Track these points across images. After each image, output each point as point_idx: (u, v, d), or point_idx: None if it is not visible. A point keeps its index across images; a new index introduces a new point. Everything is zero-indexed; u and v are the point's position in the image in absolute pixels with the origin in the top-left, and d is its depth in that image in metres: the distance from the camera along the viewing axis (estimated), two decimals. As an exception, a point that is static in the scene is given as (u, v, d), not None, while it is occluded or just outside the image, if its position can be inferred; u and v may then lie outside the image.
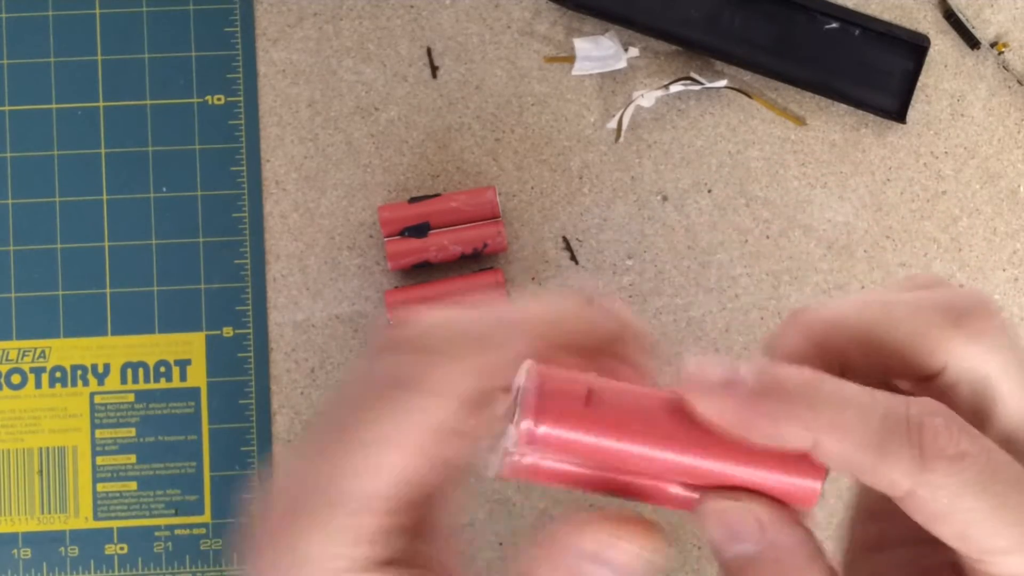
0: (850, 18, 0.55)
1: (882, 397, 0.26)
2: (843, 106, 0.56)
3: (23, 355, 0.56)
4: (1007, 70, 0.56)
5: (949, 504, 0.26)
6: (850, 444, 0.26)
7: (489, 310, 0.28)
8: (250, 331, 0.56)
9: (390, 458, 0.27)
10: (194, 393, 0.56)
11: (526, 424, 0.27)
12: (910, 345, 0.27)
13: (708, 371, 0.27)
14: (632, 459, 0.27)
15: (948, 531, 0.26)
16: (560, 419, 0.27)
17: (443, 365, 0.27)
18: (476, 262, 0.55)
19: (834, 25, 0.55)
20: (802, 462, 0.26)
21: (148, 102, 0.56)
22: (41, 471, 0.55)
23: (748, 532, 0.27)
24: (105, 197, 0.56)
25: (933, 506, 0.26)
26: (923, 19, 0.56)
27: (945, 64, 0.56)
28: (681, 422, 0.27)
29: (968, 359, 0.27)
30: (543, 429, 0.27)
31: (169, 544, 0.55)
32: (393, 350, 0.27)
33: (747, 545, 0.27)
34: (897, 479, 0.26)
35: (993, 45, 0.56)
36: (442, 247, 0.54)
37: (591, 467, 0.28)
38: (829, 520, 0.32)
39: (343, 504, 0.27)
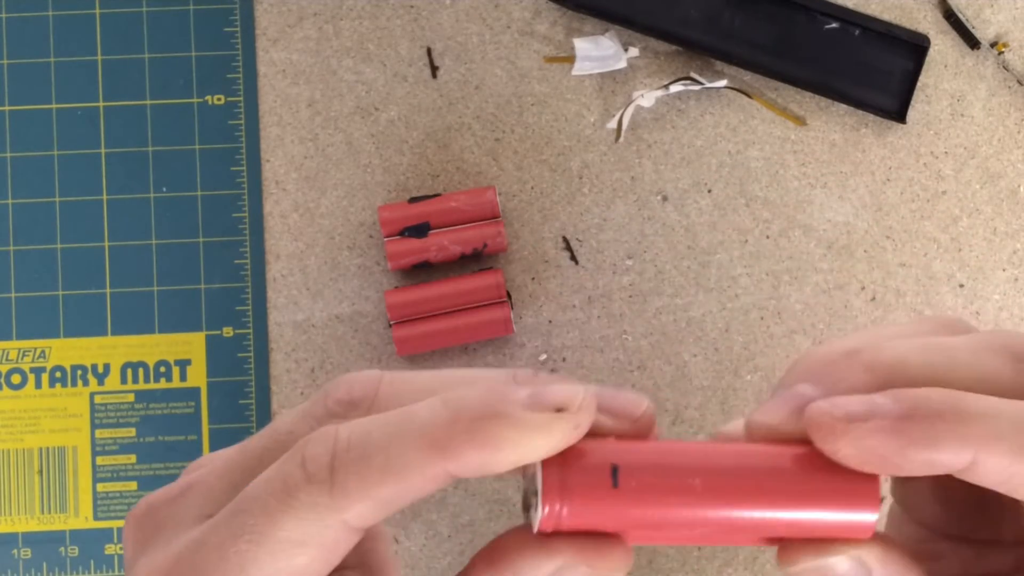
0: (850, 18, 0.55)
1: (1021, 404, 0.25)
2: (843, 106, 0.56)
3: (23, 355, 0.56)
4: (1007, 70, 0.56)
5: None
6: (1009, 454, 0.25)
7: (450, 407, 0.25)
8: (250, 331, 0.56)
9: (297, 559, 0.25)
10: (194, 393, 0.56)
11: (548, 513, 0.25)
12: (977, 390, 0.26)
13: (842, 407, 0.25)
14: (672, 522, 0.25)
15: None
16: (586, 506, 0.25)
17: (363, 473, 0.24)
18: (476, 262, 0.55)
19: (834, 25, 0.55)
20: (851, 496, 0.25)
21: (148, 102, 0.56)
22: (41, 471, 0.55)
23: None
24: (105, 197, 0.56)
25: None
26: (923, 19, 0.56)
27: (945, 64, 0.56)
28: (721, 475, 0.25)
29: None
30: (568, 517, 0.25)
31: (169, 544, 0.55)
32: (321, 444, 0.25)
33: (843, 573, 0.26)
34: None
35: (993, 45, 0.56)
36: (442, 247, 0.54)
37: (632, 529, 0.26)
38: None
39: None
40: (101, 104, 0.56)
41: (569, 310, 0.56)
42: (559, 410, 0.24)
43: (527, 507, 0.26)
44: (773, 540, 0.26)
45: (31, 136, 0.56)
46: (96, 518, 0.55)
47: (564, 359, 0.55)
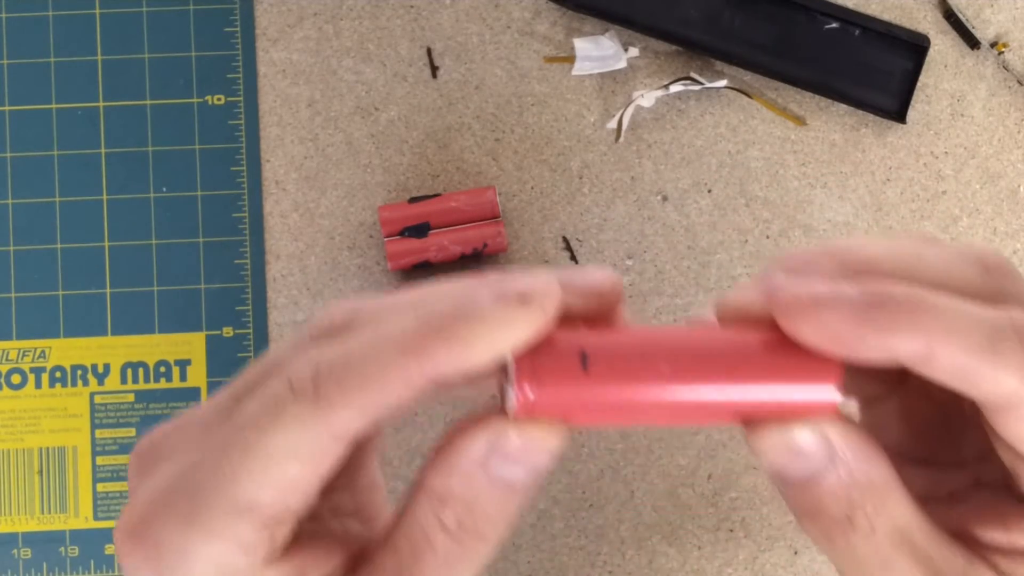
0: (850, 18, 0.55)
1: (983, 307, 0.26)
2: (843, 106, 0.56)
3: (23, 355, 0.56)
4: (1007, 70, 0.56)
5: None
6: (964, 349, 0.25)
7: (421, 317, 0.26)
8: (250, 331, 0.56)
9: (288, 469, 0.26)
10: (194, 393, 0.56)
11: (519, 400, 0.26)
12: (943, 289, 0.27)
13: (809, 289, 0.26)
14: (642, 406, 0.26)
15: None
16: (556, 392, 0.26)
17: (348, 383, 0.26)
18: (476, 262, 0.55)
19: (834, 25, 0.55)
20: (814, 375, 0.26)
21: (148, 102, 0.56)
22: (41, 471, 0.55)
23: (817, 450, 0.27)
24: (105, 197, 0.56)
25: None
26: (923, 19, 0.56)
27: (945, 64, 0.56)
28: (688, 357, 0.26)
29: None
30: (539, 403, 0.26)
31: (169, 544, 0.55)
32: (306, 358, 0.26)
33: (815, 461, 0.27)
34: (1010, 384, 0.26)
35: (993, 45, 0.56)
36: (442, 247, 0.54)
37: (604, 412, 0.27)
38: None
39: (236, 511, 0.26)
40: (101, 104, 0.56)
41: (569, 310, 0.56)
42: (524, 301, 0.25)
43: (504, 401, 0.27)
44: (740, 419, 0.27)
45: (31, 136, 0.56)
46: (96, 518, 0.55)
47: (564, 359, 0.55)
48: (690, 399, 0.26)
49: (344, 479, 0.32)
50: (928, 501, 0.29)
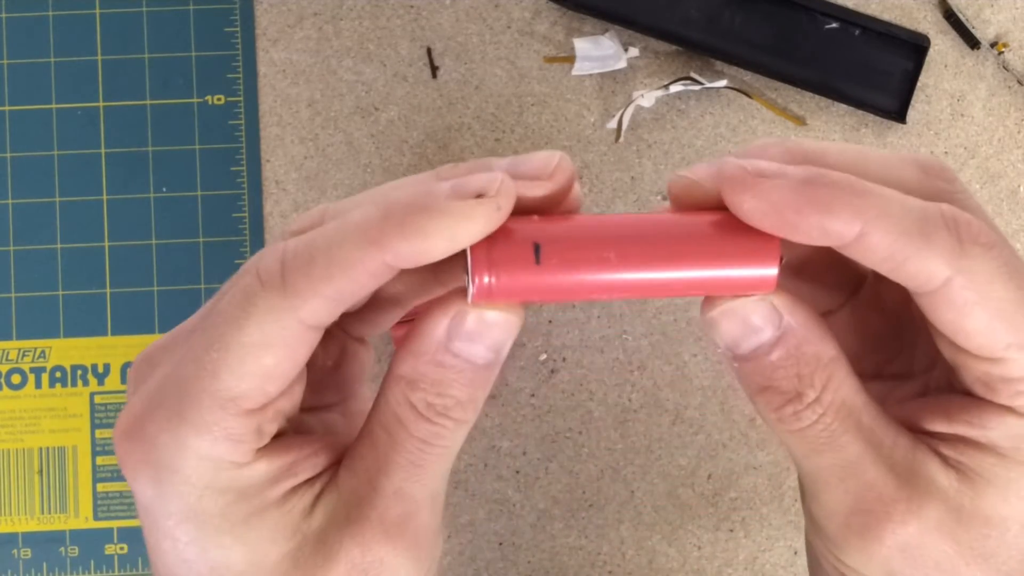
0: (850, 18, 0.55)
1: (913, 197, 0.28)
2: (843, 106, 0.56)
3: (23, 355, 0.56)
4: (1007, 70, 0.56)
5: (983, 291, 0.27)
6: (895, 231, 0.27)
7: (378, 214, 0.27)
8: (250, 331, 0.56)
9: (264, 359, 0.27)
10: (194, 393, 0.56)
11: (476, 288, 0.27)
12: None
13: (754, 164, 0.27)
14: (591, 289, 0.28)
15: (974, 324, 0.27)
16: (511, 281, 0.27)
17: (312, 273, 0.27)
18: (476, 262, 0.55)
19: (834, 25, 0.55)
20: (754, 253, 0.28)
21: (148, 102, 0.56)
22: (41, 471, 0.55)
23: (766, 321, 0.29)
24: (105, 197, 0.56)
25: (966, 295, 0.27)
26: (923, 19, 0.56)
27: (945, 64, 0.56)
28: (634, 244, 0.27)
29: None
30: (495, 290, 0.27)
31: (169, 544, 0.55)
32: (274, 255, 0.28)
33: (765, 333, 0.29)
34: (936, 267, 0.27)
35: (993, 45, 0.56)
36: (442, 247, 0.54)
37: (557, 294, 0.29)
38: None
39: (220, 404, 0.27)
40: (101, 104, 0.56)
41: (569, 310, 0.56)
42: (480, 196, 0.27)
43: (466, 290, 0.28)
44: (688, 295, 0.29)
45: (31, 136, 0.56)
46: (96, 518, 0.55)
47: (564, 359, 0.55)
48: (637, 282, 0.28)
49: (336, 404, 0.34)
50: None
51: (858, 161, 0.29)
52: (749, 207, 0.27)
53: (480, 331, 0.29)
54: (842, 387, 0.29)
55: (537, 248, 0.27)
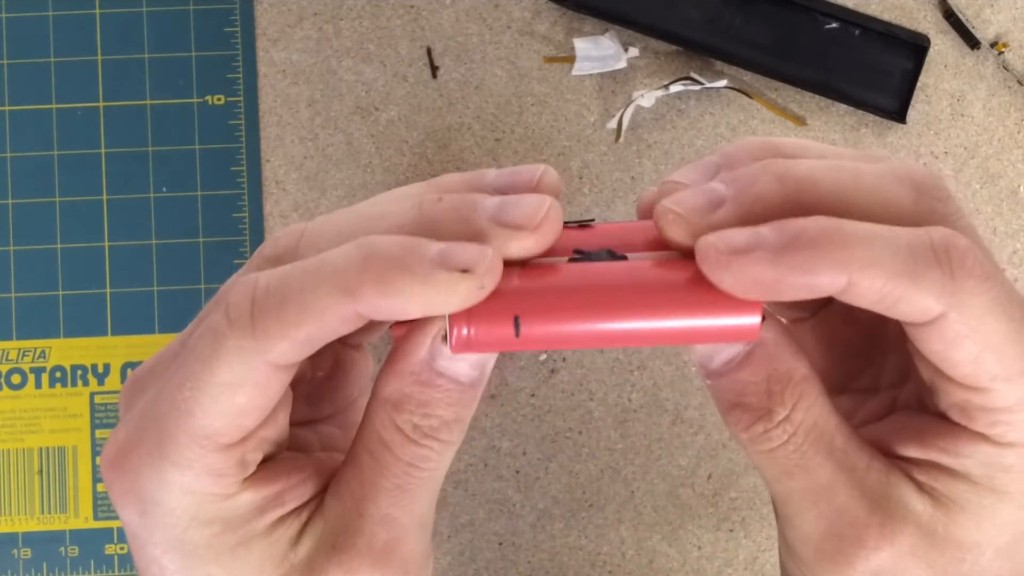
0: (850, 18, 0.55)
1: (901, 230, 0.27)
2: (843, 106, 0.56)
3: (23, 355, 0.56)
4: (1007, 70, 0.56)
5: (974, 325, 0.26)
6: (884, 276, 0.26)
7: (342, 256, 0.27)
8: (250, 331, 0.56)
9: (236, 398, 0.27)
10: (194, 393, 0.56)
11: (454, 346, 0.27)
12: (878, 213, 0.28)
13: (727, 241, 0.27)
14: (575, 342, 0.28)
15: (963, 356, 0.27)
16: (490, 347, 0.27)
17: (283, 320, 0.26)
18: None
19: (834, 25, 0.55)
20: (736, 305, 0.27)
21: (148, 102, 0.56)
22: (41, 471, 0.55)
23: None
24: (105, 197, 0.56)
25: (958, 328, 0.26)
26: (923, 19, 0.56)
27: (945, 64, 0.56)
28: (617, 305, 0.27)
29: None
30: (473, 349, 0.27)
31: (169, 544, 0.55)
32: (247, 294, 0.27)
33: (736, 348, 0.28)
34: (929, 304, 0.26)
35: (993, 45, 0.56)
36: (442, 247, 0.54)
37: (537, 349, 0.28)
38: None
39: (196, 441, 0.27)
40: (101, 104, 0.56)
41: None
42: (467, 274, 0.26)
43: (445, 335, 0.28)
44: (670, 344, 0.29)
45: (31, 136, 0.56)
46: (96, 518, 0.55)
47: (564, 359, 0.55)
48: (618, 341, 0.27)
49: (334, 416, 0.33)
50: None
51: (849, 187, 0.28)
52: (730, 285, 0.26)
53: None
54: (814, 407, 0.28)
55: (517, 320, 0.27)
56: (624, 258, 0.28)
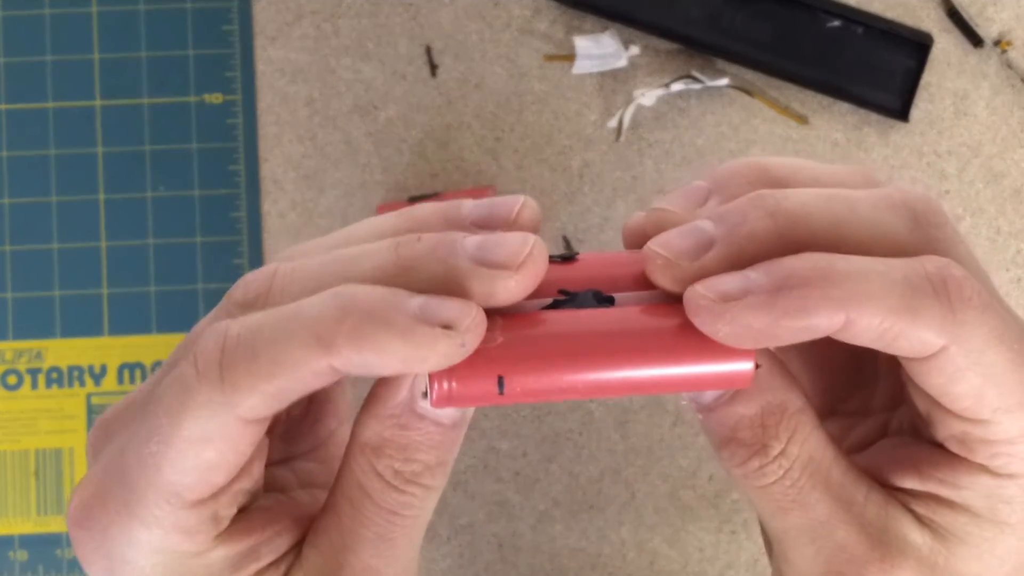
0: (853, 16, 0.54)
1: (895, 261, 0.26)
2: (846, 105, 0.56)
3: (19, 356, 0.55)
4: (1011, 68, 0.56)
5: (975, 358, 0.26)
6: (881, 312, 0.25)
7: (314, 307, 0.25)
8: (248, 331, 0.56)
9: (204, 454, 0.26)
10: (191, 394, 0.55)
11: (437, 400, 0.26)
12: (874, 245, 0.27)
13: (717, 288, 0.26)
14: (561, 395, 0.26)
15: (963, 389, 0.26)
16: (472, 403, 0.26)
17: (252, 374, 0.25)
18: (476, 262, 0.55)
19: (836, 23, 0.55)
20: (726, 355, 0.26)
21: (145, 101, 0.56)
22: (37, 472, 0.55)
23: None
24: (102, 196, 0.56)
25: (958, 362, 0.26)
26: (926, 17, 0.56)
27: (948, 62, 0.56)
28: (604, 359, 0.26)
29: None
30: (456, 399, 0.26)
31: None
32: (214, 346, 0.26)
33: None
34: (929, 338, 0.25)
35: (996, 43, 0.56)
36: (441, 247, 0.54)
37: (521, 402, 0.27)
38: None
39: (164, 498, 0.26)
40: (98, 103, 0.56)
41: (569, 310, 0.55)
42: (448, 331, 0.25)
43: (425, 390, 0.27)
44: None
45: (27, 135, 0.56)
46: (93, 520, 0.55)
47: (564, 360, 0.55)
48: (607, 392, 0.26)
49: (312, 450, 0.32)
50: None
51: (843, 219, 0.27)
52: (725, 335, 0.25)
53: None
54: (809, 440, 0.28)
55: (501, 381, 0.26)
56: (611, 300, 0.27)
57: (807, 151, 0.56)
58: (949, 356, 0.26)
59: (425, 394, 0.26)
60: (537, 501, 0.55)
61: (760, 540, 0.55)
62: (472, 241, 0.26)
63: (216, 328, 0.26)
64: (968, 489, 0.27)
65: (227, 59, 0.56)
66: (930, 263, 0.26)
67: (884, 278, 0.25)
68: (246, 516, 0.28)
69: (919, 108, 0.56)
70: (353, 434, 0.27)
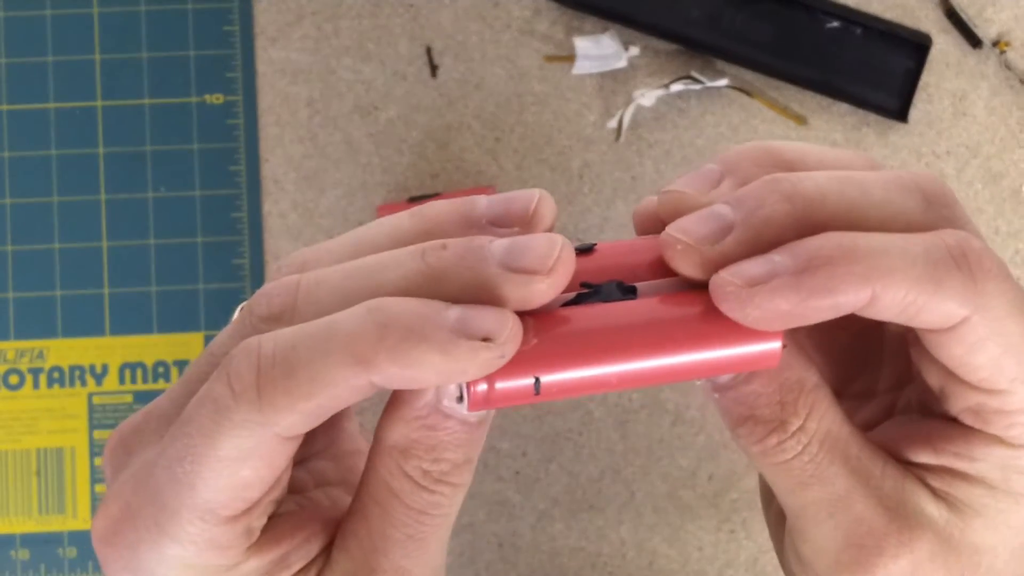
0: (851, 17, 0.55)
1: (915, 236, 0.26)
2: (844, 105, 0.56)
3: (20, 355, 0.55)
4: (1009, 69, 0.56)
5: (996, 327, 0.26)
6: (905, 285, 0.26)
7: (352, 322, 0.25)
8: (249, 331, 0.56)
9: (240, 472, 0.26)
10: (192, 394, 0.55)
11: (472, 403, 0.26)
12: (889, 226, 0.27)
13: (743, 273, 0.26)
14: (594, 389, 0.27)
15: (983, 360, 0.27)
16: (509, 403, 0.26)
17: (283, 393, 0.25)
18: (476, 262, 0.55)
19: (835, 24, 0.55)
20: (753, 335, 0.26)
21: (146, 101, 0.56)
22: (39, 472, 0.55)
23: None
24: (103, 197, 0.56)
25: (980, 332, 0.26)
26: (925, 18, 0.56)
27: (947, 63, 0.56)
28: (635, 353, 0.26)
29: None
30: (493, 401, 0.26)
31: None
32: (244, 362, 0.26)
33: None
34: (953, 309, 0.26)
35: (995, 44, 0.56)
36: (442, 247, 0.54)
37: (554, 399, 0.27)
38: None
39: (198, 515, 0.26)
40: (99, 103, 0.56)
41: (569, 310, 0.55)
42: (487, 343, 0.25)
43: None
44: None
45: (29, 136, 0.56)
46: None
47: (564, 359, 0.55)
48: (638, 383, 0.27)
49: (324, 448, 0.32)
50: None
51: (860, 201, 0.27)
52: (754, 319, 0.26)
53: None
54: (827, 415, 0.28)
55: (537, 381, 0.26)
56: (633, 290, 0.27)
57: (806, 151, 0.56)
58: (971, 326, 0.26)
59: (460, 398, 0.26)
60: (537, 501, 0.55)
61: (760, 539, 0.55)
62: (500, 247, 0.26)
63: (248, 346, 0.26)
64: (983, 461, 0.28)
65: (228, 60, 0.56)
66: (949, 236, 0.27)
67: (906, 252, 0.26)
68: (273, 524, 0.28)
69: (918, 109, 0.56)
70: (378, 437, 0.27)
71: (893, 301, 0.26)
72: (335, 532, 0.29)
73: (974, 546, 0.28)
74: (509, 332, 0.25)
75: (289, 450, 0.26)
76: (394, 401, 0.27)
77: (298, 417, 0.25)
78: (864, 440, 0.29)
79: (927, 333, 0.27)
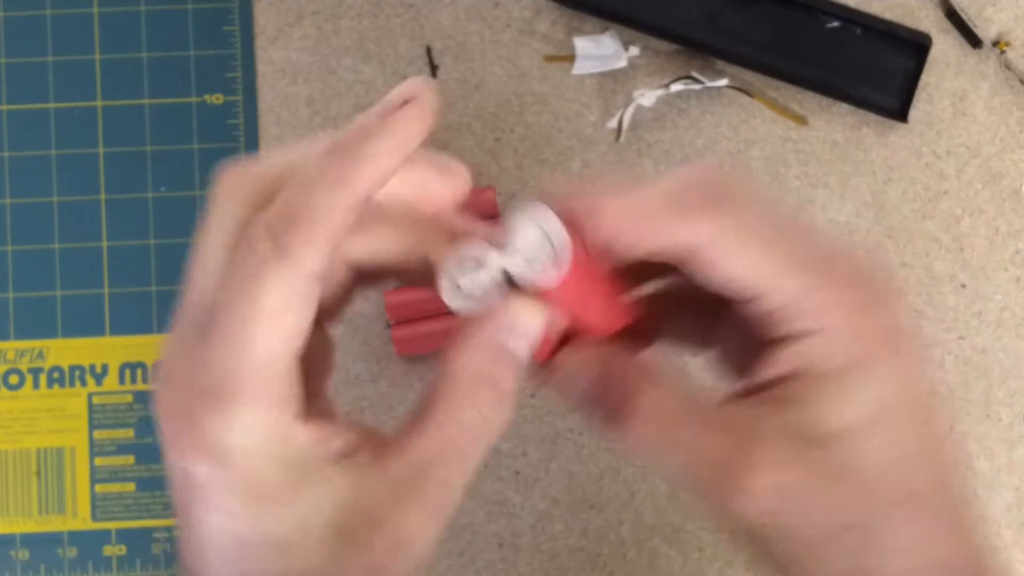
0: (851, 17, 0.55)
1: (664, 189, 0.31)
2: (844, 105, 0.56)
3: (21, 355, 0.56)
4: (1009, 69, 0.56)
5: (739, 237, 0.30)
6: (649, 216, 0.30)
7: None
8: (249, 331, 0.56)
9: (287, 320, 0.29)
10: (193, 394, 0.56)
11: (551, 279, 0.30)
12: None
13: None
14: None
15: (738, 270, 0.30)
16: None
17: (306, 232, 0.29)
18: (476, 262, 0.55)
19: (835, 24, 0.55)
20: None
21: (146, 101, 0.56)
22: (39, 472, 0.55)
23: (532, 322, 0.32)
24: (103, 197, 0.56)
25: (726, 244, 0.30)
26: (925, 18, 0.56)
27: (947, 63, 0.56)
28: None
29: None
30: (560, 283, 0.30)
31: (168, 545, 0.55)
32: (259, 219, 0.29)
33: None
34: (691, 232, 0.30)
35: (995, 44, 0.56)
36: (442, 247, 0.54)
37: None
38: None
39: (257, 372, 0.29)
40: (99, 103, 0.56)
41: (569, 310, 0.55)
42: (407, 102, 0.30)
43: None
44: None
45: (29, 135, 0.56)
46: (94, 519, 0.55)
47: (564, 359, 0.55)
48: None
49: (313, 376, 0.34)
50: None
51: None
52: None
53: (530, 326, 0.31)
54: (654, 391, 0.32)
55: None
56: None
57: (806, 151, 0.56)
58: (716, 241, 0.30)
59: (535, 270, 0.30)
60: (537, 500, 0.55)
61: (759, 539, 0.55)
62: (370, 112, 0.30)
63: (254, 223, 0.29)
64: (788, 362, 0.30)
65: (228, 60, 0.56)
66: (696, 172, 0.31)
67: (651, 190, 0.30)
68: (314, 410, 0.31)
69: (918, 109, 0.56)
70: (451, 366, 0.31)
71: (639, 237, 0.30)
72: (362, 437, 0.31)
73: (832, 434, 0.30)
74: (417, 87, 0.30)
75: (316, 289, 0.29)
76: (469, 335, 0.31)
77: (315, 248, 0.29)
78: (698, 400, 0.32)
79: (693, 270, 0.31)
